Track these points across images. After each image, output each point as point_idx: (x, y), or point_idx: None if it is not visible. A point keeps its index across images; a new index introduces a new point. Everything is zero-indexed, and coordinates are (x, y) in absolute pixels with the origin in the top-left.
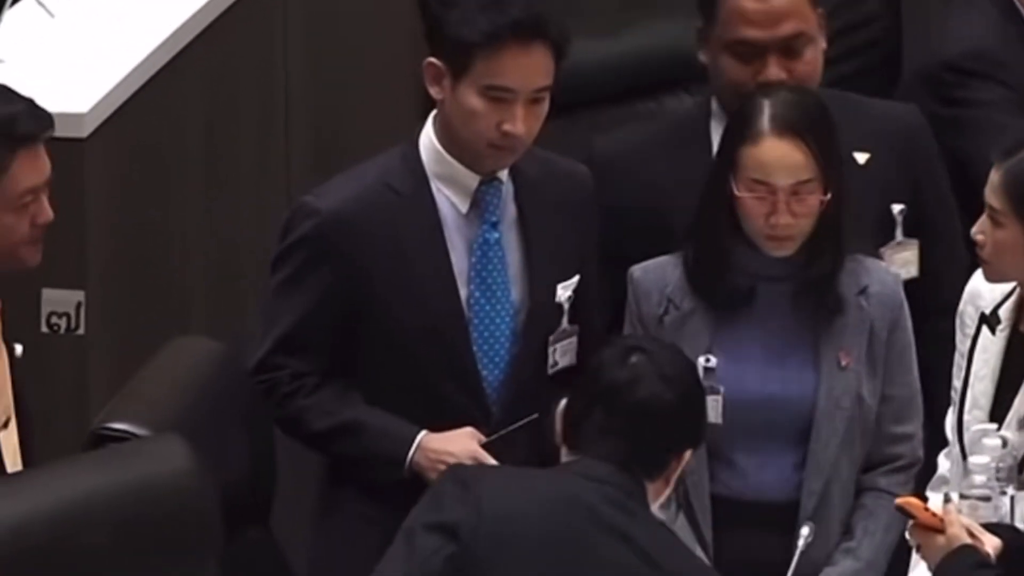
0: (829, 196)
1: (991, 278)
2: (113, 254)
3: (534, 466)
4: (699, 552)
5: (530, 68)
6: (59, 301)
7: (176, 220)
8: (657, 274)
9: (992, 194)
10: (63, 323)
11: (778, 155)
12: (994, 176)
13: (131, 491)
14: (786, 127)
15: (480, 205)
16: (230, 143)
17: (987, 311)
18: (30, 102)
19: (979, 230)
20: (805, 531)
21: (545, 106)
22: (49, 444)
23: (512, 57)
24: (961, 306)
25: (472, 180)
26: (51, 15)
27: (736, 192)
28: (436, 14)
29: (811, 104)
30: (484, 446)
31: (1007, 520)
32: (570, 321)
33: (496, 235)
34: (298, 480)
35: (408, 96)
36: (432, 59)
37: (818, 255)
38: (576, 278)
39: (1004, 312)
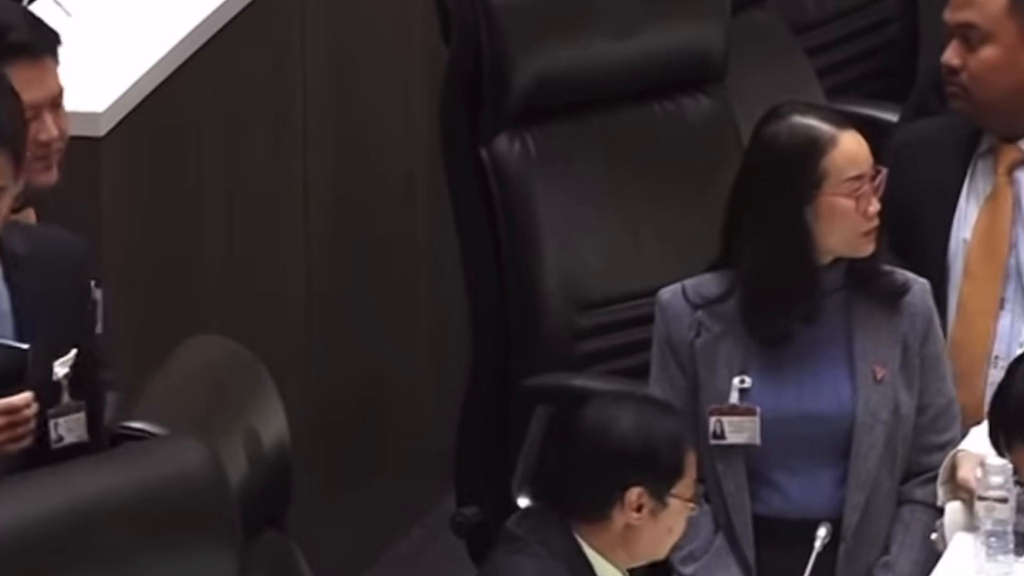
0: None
1: None
2: (129, 253)
3: None
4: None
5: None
6: None
7: (192, 219)
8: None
9: None
10: None
11: (858, 142)
12: None
13: (149, 490)
14: (843, 120)
15: None
16: (247, 142)
17: None
18: (27, 12)
19: None
20: (822, 532)
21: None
22: None
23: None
24: None
25: None
26: (68, 14)
27: (826, 201)
28: None
29: (830, 110)
30: None
31: None
32: (74, 396)
33: None
34: (306, 480)
35: (426, 95)
36: None
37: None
38: (73, 352)
39: None
